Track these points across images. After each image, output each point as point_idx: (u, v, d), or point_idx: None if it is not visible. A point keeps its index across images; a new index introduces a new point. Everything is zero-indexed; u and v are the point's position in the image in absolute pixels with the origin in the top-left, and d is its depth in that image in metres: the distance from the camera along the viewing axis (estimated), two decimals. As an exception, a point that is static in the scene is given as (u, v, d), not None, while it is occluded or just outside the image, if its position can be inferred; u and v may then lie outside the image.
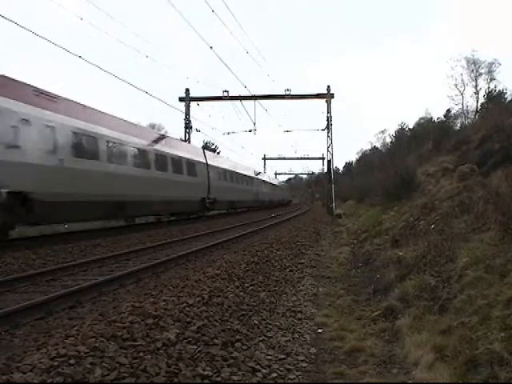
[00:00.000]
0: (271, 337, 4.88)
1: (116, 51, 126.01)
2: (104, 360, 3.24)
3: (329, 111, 33.61)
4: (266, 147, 79.37)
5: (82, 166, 13.04)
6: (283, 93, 31.84)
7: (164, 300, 4.94)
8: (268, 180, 50.26)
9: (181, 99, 32.24)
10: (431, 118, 39.33)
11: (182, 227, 17.76)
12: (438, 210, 10.40)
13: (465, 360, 3.73)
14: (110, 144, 14.84)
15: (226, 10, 34.07)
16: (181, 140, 28.60)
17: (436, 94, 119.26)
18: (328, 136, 34.30)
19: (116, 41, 57.78)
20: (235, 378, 3.64)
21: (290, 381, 3.86)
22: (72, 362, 3.09)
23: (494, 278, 5.02)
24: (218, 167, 27.13)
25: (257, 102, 31.00)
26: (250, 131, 32.83)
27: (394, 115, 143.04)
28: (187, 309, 4.75)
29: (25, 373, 2.91)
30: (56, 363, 3.04)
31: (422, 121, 42.10)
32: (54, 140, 12.00)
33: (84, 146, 13.48)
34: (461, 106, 42.43)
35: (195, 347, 3.92)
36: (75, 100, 13.88)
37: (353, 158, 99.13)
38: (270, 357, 4.27)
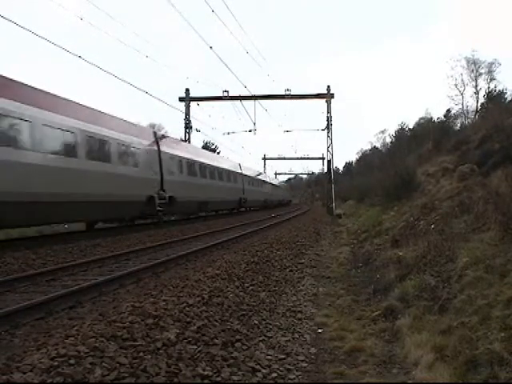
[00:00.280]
0: (271, 337, 4.89)
1: (116, 51, 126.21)
2: (104, 360, 3.24)
3: (329, 111, 33.64)
4: (265, 147, 79.43)
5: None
6: (283, 93, 31.86)
7: (164, 300, 4.94)
8: (264, 179, 46.61)
9: (181, 99, 32.26)
10: (431, 118, 39.41)
11: (182, 227, 17.76)
12: (437, 209, 10.40)
13: (465, 360, 3.73)
14: None
15: (226, 10, 34.13)
16: (181, 140, 28.56)
17: (436, 93, 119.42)
18: (328, 136, 34.32)
19: (116, 41, 57.79)
20: (235, 378, 3.64)
21: (289, 381, 3.86)
22: (72, 362, 3.09)
23: (493, 277, 5.02)
24: (179, 156, 20.47)
25: (257, 101, 31.06)
26: (249, 131, 32.87)
27: (394, 115, 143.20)
28: (187, 309, 4.75)
29: (25, 373, 2.91)
30: (56, 363, 3.04)
31: (421, 121, 42.18)
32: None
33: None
34: (461, 106, 42.53)
35: (195, 347, 3.91)
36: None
37: (353, 158, 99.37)
38: (270, 357, 4.27)
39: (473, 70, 42.89)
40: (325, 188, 44.33)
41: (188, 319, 4.48)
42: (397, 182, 17.33)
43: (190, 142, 30.98)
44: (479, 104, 38.34)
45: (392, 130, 58.59)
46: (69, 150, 12.26)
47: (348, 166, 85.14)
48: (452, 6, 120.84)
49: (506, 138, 11.83)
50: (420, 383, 3.74)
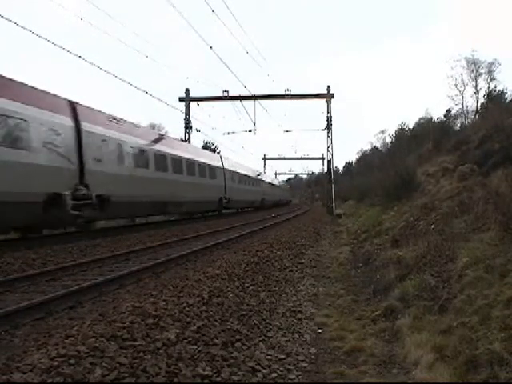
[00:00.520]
0: (271, 337, 4.88)
1: (116, 51, 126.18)
2: (104, 360, 3.24)
3: (329, 111, 33.63)
4: (265, 147, 79.42)
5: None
6: (283, 93, 31.86)
7: (164, 300, 4.94)
8: (257, 175, 40.59)
9: (181, 99, 32.26)
10: (431, 118, 39.44)
11: (182, 227, 17.76)
12: (437, 209, 10.39)
13: (465, 360, 3.73)
14: None
15: (226, 9, 34.16)
16: (181, 139, 28.48)
17: (436, 93, 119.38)
18: (328, 136, 34.31)
19: (116, 41, 57.77)
20: (235, 378, 3.64)
21: (289, 381, 3.86)
22: (72, 362, 3.09)
23: (493, 277, 5.02)
24: (118, 139, 15.01)
25: (257, 101, 31.06)
26: (249, 131, 32.84)
27: (394, 115, 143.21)
28: (187, 309, 4.75)
29: (25, 373, 2.91)
30: (56, 363, 3.04)
31: (422, 121, 42.22)
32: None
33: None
34: (461, 106, 42.58)
35: (195, 347, 3.91)
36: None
37: (353, 158, 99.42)
38: (270, 357, 4.27)
39: (473, 70, 42.97)
40: (325, 188, 44.35)
41: (188, 319, 4.48)
42: (397, 182, 17.33)
43: (190, 141, 30.96)
44: (479, 104, 38.44)
45: (392, 130, 58.70)
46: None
47: (348, 165, 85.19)
48: (452, 6, 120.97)
49: (506, 138, 11.83)
50: (420, 383, 3.74)
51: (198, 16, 21.48)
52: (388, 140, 58.17)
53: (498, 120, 14.46)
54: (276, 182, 58.39)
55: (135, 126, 17.91)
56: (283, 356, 4.36)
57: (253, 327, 5.01)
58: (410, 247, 8.30)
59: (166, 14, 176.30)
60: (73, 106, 13.15)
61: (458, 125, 33.55)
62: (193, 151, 23.76)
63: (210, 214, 27.22)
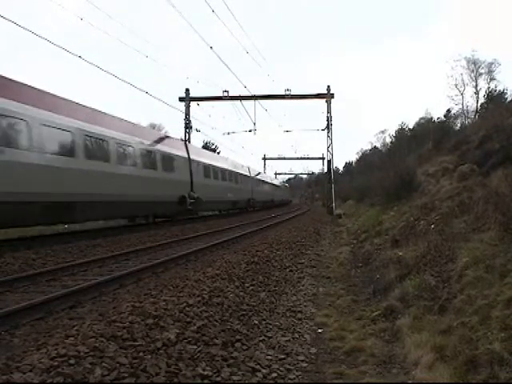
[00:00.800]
0: (271, 337, 4.88)
1: (116, 51, 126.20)
2: (104, 360, 3.24)
3: (329, 111, 33.62)
4: (266, 147, 79.33)
5: None
6: (283, 93, 31.82)
7: (164, 300, 4.94)
8: (241, 171, 33.17)
9: (181, 99, 32.25)
10: (431, 118, 39.40)
11: (183, 227, 17.76)
12: (437, 209, 10.39)
13: (465, 360, 3.73)
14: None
15: (226, 9, 34.15)
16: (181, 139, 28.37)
17: (436, 93, 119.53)
18: (328, 136, 34.30)
19: (116, 41, 57.76)
20: (235, 378, 3.64)
21: (289, 381, 3.86)
22: (72, 361, 3.09)
23: (493, 277, 5.01)
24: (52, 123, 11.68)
25: (257, 101, 31.04)
26: (249, 131, 32.81)
27: (394, 115, 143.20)
28: (187, 309, 4.75)
29: (25, 373, 2.91)
30: (56, 363, 3.04)
31: (422, 121, 42.15)
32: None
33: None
34: (461, 106, 42.62)
35: (195, 347, 3.91)
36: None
37: (353, 158, 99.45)
38: (269, 357, 4.26)
39: (473, 70, 43.04)
40: (325, 188, 44.34)
41: (188, 319, 4.48)
42: (397, 182, 17.31)
43: (190, 141, 30.96)
44: (479, 104, 38.44)
45: (392, 130, 58.63)
46: None
47: (348, 165, 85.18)
48: (452, 6, 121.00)
49: (506, 138, 11.81)
50: (420, 383, 3.74)
51: (198, 16, 21.57)
52: (388, 140, 58.14)
53: (498, 120, 14.45)
54: (278, 183, 58.04)
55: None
56: (283, 356, 4.36)
57: (253, 327, 5.01)
58: (410, 247, 8.30)
59: (166, 14, 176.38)
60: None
61: (458, 125, 33.55)
62: (131, 130, 16.99)
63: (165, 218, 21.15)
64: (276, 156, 71.31)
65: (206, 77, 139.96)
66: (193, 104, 32.16)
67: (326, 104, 33.57)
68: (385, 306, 5.88)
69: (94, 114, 14.62)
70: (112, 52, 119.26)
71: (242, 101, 30.88)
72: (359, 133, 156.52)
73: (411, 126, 44.95)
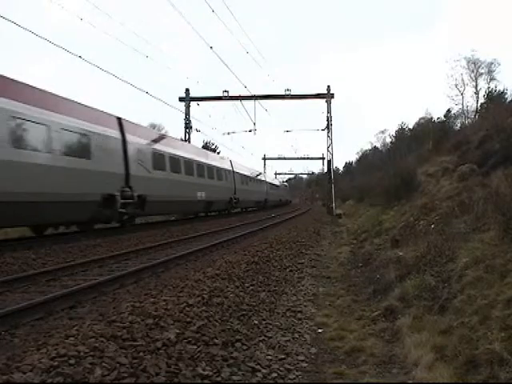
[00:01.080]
0: (271, 337, 4.88)
1: (116, 51, 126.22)
2: (104, 360, 3.23)
3: (329, 111, 33.64)
4: (265, 147, 79.29)
5: None
6: (283, 93, 31.86)
7: (164, 300, 4.94)
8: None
9: (181, 99, 32.28)
10: (431, 118, 39.44)
11: (183, 227, 17.76)
12: (438, 209, 10.39)
13: (465, 360, 3.73)
14: None
15: (226, 9, 34.15)
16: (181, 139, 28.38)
17: (436, 94, 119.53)
18: (328, 136, 34.31)
19: (116, 41, 57.77)
20: (235, 378, 3.64)
21: (289, 381, 3.86)
22: (72, 361, 3.09)
23: (493, 277, 5.01)
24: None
25: (257, 101, 31.07)
26: (250, 131, 32.82)
27: (394, 115, 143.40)
28: (187, 309, 4.75)
29: (25, 373, 2.91)
30: (56, 363, 3.04)
31: (422, 121, 42.18)
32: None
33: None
34: (461, 106, 42.57)
35: (195, 347, 3.91)
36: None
37: (353, 158, 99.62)
38: (269, 357, 4.27)
39: (473, 70, 43.04)
40: (325, 188, 44.33)
41: (188, 319, 4.48)
42: (397, 182, 17.32)
43: (189, 141, 30.95)
44: (479, 104, 38.41)
45: (392, 130, 58.77)
46: None
47: (348, 166, 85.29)
48: (452, 6, 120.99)
49: (506, 138, 11.81)
50: (420, 383, 3.74)
51: (198, 16, 21.77)
52: (388, 140, 58.26)
53: (498, 120, 14.44)
54: (277, 182, 58.24)
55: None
56: (283, 356, 4.36)
57: (253, 327, 5.01)
58: (410, 247, 8.30)
59: (166, 14, 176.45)
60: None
61: (458, 125, 33.56)
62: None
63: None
64: (276, 156, 71.43)
65: (206, 77, 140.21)
66: (193, 104, 32.21)
67: (325, 104, 33.62)
68: (385, 306, 5.88)
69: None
70: (112, 52, 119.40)
71: (242, 101, 30.92)
72: (359, 133, 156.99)
73: (411, 126, 45.08)
